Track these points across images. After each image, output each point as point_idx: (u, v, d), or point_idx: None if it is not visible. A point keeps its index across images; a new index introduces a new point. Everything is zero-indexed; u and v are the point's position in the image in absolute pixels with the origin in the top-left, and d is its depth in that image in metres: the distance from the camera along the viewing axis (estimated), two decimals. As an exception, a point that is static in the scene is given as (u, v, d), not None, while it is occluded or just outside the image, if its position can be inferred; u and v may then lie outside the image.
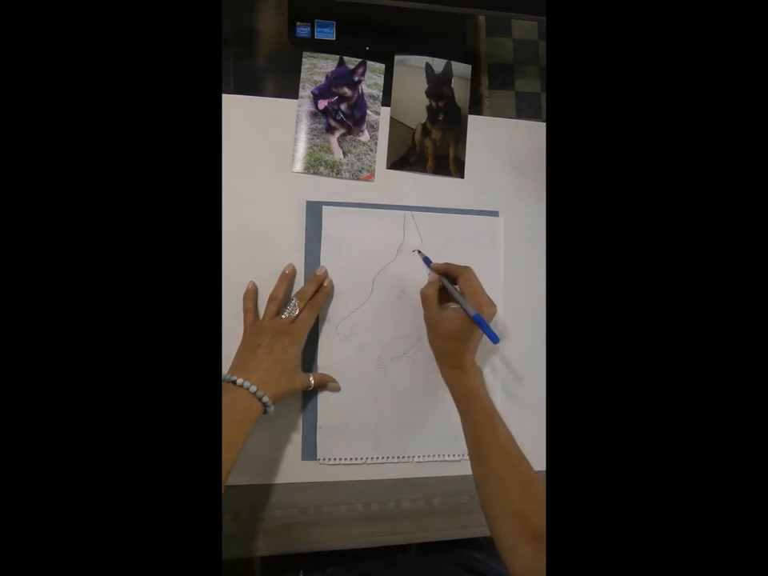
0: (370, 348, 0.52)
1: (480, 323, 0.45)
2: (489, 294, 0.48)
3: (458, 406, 0.48)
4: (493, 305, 0.47)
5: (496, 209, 0.56)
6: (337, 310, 0.52)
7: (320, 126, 0.53)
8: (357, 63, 0.55)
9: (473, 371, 0.48)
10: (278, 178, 0.52)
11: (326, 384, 0.50)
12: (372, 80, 0.55)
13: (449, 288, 0.49)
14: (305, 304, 0.48)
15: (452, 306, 0.50)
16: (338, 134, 0.54)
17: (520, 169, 0.57)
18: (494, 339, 0.45)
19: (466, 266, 0.49)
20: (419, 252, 0.53)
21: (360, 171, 0.54)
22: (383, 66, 0.55)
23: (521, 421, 0.49)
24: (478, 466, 0.45)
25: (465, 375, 0.47)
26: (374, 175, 0.54)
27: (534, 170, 0.57)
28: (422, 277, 0.53)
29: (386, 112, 0.55)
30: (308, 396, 0.51)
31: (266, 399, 0.43)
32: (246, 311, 0.49)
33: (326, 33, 0.56)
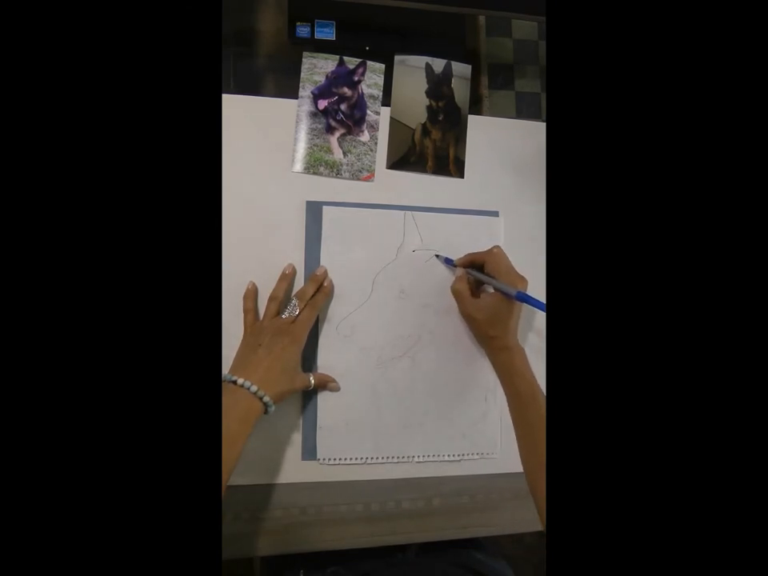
0: (370, 348, 0.52)
1: (524, 298, 0.45)
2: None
3: (503, 385, 0.49)
4: (524, 279, 0.47)
5: (496, 209, 0.56)
6: (337, 310, 0.52)
7: (320, 126, 0.53)
8: (357, 63, 0.55)
9: (517, 350, 0.48)
10: (278, 178, 0.52)
11: (325, 384, 0.50)
12: (372, 80, 0.55)
13: (480, 277, 0.50)
14: (305, 304, 0.48)
15: (484, 293, 0.51)
16: (338, 133, 0.54)
17: (520, 169, 0.57)
18: (543, 307, 0.44)
19: (488, 250, 0.49)
20: (437, 256, 0.53)
21: (360, 171, 0.54)
22: (383, 66, 0.55)
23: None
24: (524, 443, 0.46)
25: (511, 355, 0.48)
26: (373, 175, 0.54)
27: (533, 170, 0.57)
28: (422, 276, 0.53)
29: (386, 112, 0.55)
30: (308, 396, 0.51)
31: (266, 399, 0.43)
32: (246, 311, 0.49)
33: (326, 33, 0.56)
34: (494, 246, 0.50)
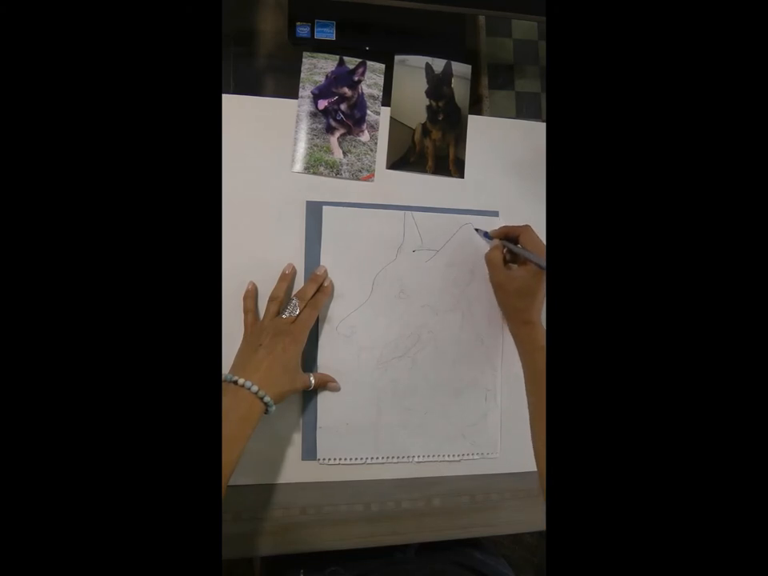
0: (370, 348, 0.52)
1: None
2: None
3: (522, 359, 0.50)
4: None
5: (496, 209, 0.56)
6: (337, 310, 0.52)
7: (320, 126, 0.53)
8: (357, 63, 0.55)
9: (539, 325, 0.49)
10: (278, 178, 0.52)
11: (326, 384, 0.50)
12: (372, 80, 0.55)
13: (514, 249, 0.51)
14: (305, 304, 0.48)
15: (516, 266, 0.52)
16: (338, 134, 0.54)
17: (520, 169, 0.57)
18: None
19: (524, 225, 0.50)
20: (477, 229, 0.54)
21: (360, 171, 0.54)
22: (383, 66, 0.55)
23: (519, 418, 0.49)
24: (539, 420, 0.46)
25: (533, 329, 0.49)
26: (373, 175, 0.54)
27: (533, 169, 0.57)
28: (422, 276, 0.53)
29: (386, 112, 0.55)
30: (308, 396, 0.51)
31: (267, 399, 0.43)
32: (246, 311, 0.49)
33: (326, 33, 0.56)
34: (526, 224, 0.50)
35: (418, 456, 0.52)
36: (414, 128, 0.55)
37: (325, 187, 0.53)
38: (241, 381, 0.42)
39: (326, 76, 0.54)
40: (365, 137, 0.54)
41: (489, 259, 0.52)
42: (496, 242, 0.52)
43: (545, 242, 0.48)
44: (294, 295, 0.49)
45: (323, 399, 0.51)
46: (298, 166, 0.52)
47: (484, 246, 0.55)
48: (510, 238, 0.52)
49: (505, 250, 0.52)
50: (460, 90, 0.57)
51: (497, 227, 0.53)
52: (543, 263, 0.46)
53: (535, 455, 0.46)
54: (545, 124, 0.57)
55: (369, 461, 0.51)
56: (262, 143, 0.52)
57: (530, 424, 0.47)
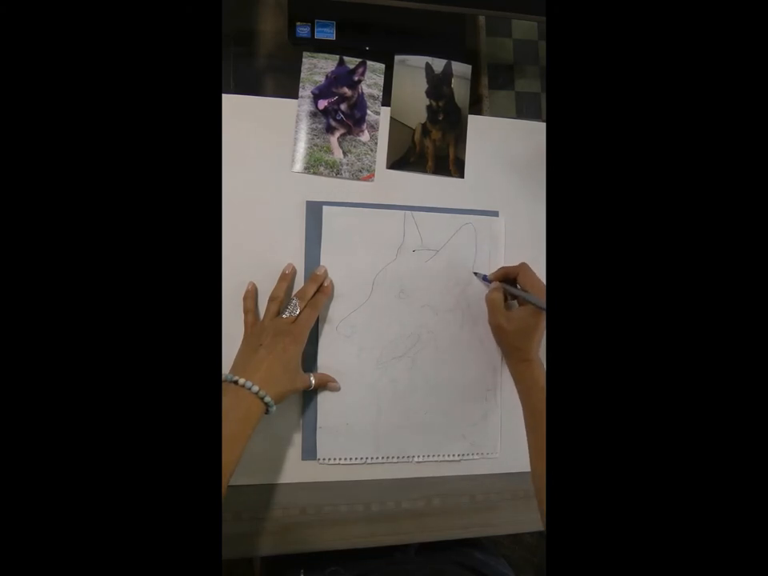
0: (370, 348, 0.52)
1: None
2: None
3: (521, 397, 0.50)
4: None
5: (496, 209, 0.56)
6: (337, 310, 0.52)
7: (320, 126, 0.53)
8: (357, 63, 0.55)
9: (537, 363, 0.49)
10: (278, 178, 0.52)
11: (326, 384, 0.50)
12: (372, 80, 0.55)
13: (513, 291, 0.51)
14: (305, 304, 0.48)
15: (515, 306, 0.53)
16: (338, 133, 0.54)
17: (520, 169, 0.57)
18: None
19: (520, 264, 0.51)
20: (476, 273, 0.54)
21: (360, 171, 0.54)
22: (383, 66, 0.55)
23: (519, 418, 0.49)
24: (539, 459, 0.46)
25: (531, 367, 0.49)
26: (373, 175, 0.54)
27: (533, 169, 0.57)
28: (422, 276, 0.53)
29: (386, 112, 0.55)
30: (308, 396, 0.51)
31: (267, 399, 0.43)
32: (246, 311, 0.49)
33: (326, 33, 0.56)
34: (522, 263, 0.51)
35: (418, 456, 0.52)
36: (413, 128, 0.55)
37: (325, 187, 0.53)
38: (241, 381, 0.42)
39: (326, 76, 0.54)
40: (365, 137, 0.54)
41: (489, 301, 0.52)
42: (496, 284, 0.52)
43: (543, 279, 0.49)
44: (294, 295, 0.49)
45: (323, 399, 0.51)
46: (298, 165, 0.52)
47: (486, 245, 0.55)
48: (508, 278, 0.52)
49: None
50: (460, 90, 0.57)
51: (495, 269, 0.54)
52: (542, 303, 0.46)
53: (535, 491, 0.46)
54: (545, 124, 0.57)
55: (369, 461, 0.51)
56: (262, 143, 0.52)
57: (530, 461, 0.47)
